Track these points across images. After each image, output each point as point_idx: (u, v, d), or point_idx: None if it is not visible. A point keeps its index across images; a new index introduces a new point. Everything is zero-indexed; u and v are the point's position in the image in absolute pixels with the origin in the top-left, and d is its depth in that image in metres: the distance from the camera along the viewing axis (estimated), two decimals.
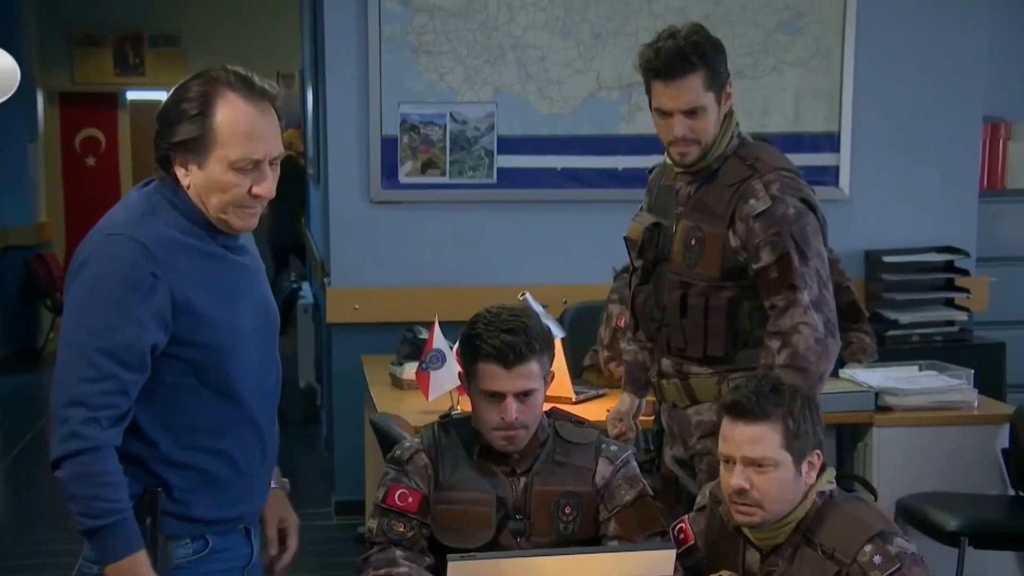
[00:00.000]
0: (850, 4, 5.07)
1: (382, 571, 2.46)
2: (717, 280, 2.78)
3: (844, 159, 5.16)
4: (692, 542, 2.52)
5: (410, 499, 2.51)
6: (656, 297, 2.92)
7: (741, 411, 2.34)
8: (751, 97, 5.07)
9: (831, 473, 2.44)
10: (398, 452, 2.61)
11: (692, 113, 2.75)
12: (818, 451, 2.37)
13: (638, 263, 2.99)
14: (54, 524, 5.40)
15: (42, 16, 10.32)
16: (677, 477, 3.02)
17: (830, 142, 5.15)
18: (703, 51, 2.75)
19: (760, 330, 2.77)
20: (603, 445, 2.61)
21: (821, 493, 2.39)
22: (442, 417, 2.69)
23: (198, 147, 2.10)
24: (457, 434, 2.59)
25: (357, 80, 4.90)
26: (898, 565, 2.26)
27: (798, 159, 5.00)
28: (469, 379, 2.55)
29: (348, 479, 5.11)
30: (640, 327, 3.04)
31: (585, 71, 4.99)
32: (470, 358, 2.52)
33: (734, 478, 2.33)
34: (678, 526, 2.56)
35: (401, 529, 2.50)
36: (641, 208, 3.06)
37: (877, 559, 2.27)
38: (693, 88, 2.74)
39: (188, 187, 2.15)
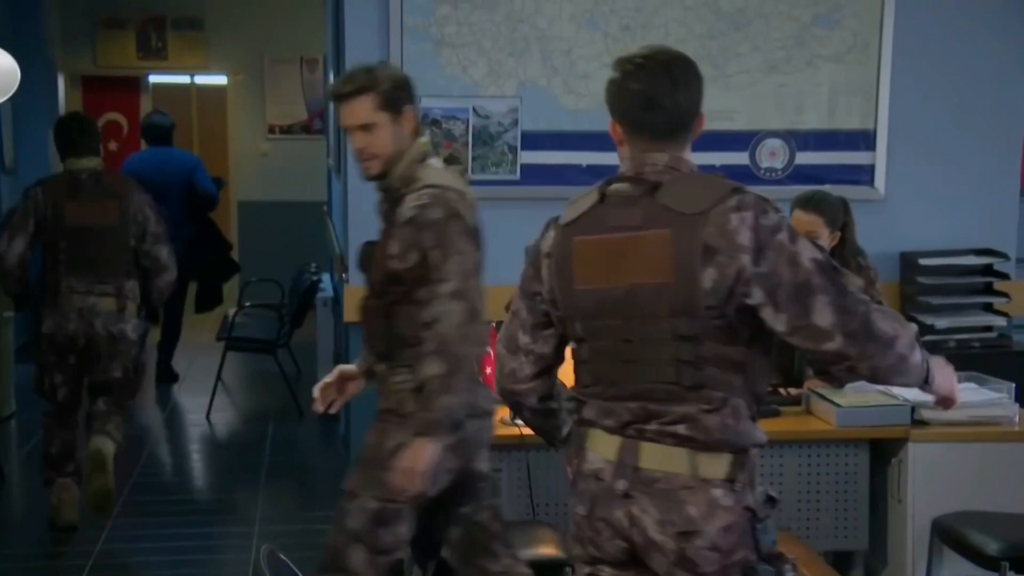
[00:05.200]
0: None
1: None
2: (381, 286, 3.14)
3: (880, 158, 4.99)
4: None
5: None
6: None
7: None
8: (784, 93, 4.91)
9: None
10: None
11: None
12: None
13: None
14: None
15: None
16: None
17: (866, 140, 4.98)
18: None
19: (415, 331, 3.07)
20: None
21: None
22: None
23: None
24: None
25: None
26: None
27: (832, 157, 4.99)
28: None
29: None
30: None
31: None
32: None
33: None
34: None
35: None
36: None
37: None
38: None
39: None
